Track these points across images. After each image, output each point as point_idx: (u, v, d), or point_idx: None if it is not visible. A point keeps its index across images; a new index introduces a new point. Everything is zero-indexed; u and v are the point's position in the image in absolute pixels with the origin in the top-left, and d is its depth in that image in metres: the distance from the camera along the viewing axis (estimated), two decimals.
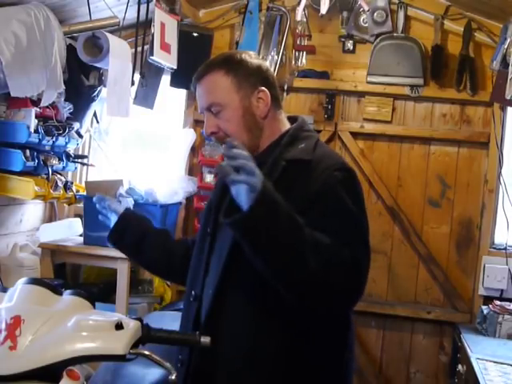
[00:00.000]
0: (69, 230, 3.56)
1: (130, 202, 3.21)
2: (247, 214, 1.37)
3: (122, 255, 3.22)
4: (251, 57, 1.70)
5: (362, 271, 1.50)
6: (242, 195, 1.38)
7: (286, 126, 1.71)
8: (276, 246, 1.41)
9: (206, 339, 1.40)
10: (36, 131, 3.04)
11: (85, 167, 3.95)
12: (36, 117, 3.05)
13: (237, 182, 1.36)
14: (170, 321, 1.98)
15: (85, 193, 3.44)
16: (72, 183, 3.41)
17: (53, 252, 3.34)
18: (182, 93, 3.88)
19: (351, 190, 1.57)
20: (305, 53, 3.76)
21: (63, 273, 3.55)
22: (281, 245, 1.40)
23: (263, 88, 1.66)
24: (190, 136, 3.75)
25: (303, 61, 3.75)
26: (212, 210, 1.74)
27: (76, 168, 3.68)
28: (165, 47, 3.24)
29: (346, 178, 1.57)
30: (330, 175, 1.55)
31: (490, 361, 2.76)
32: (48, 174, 3.16)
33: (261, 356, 1.56)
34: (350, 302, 1.55)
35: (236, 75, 1.64)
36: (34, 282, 1.43)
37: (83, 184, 3.63)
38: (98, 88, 3.38)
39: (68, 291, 1.44)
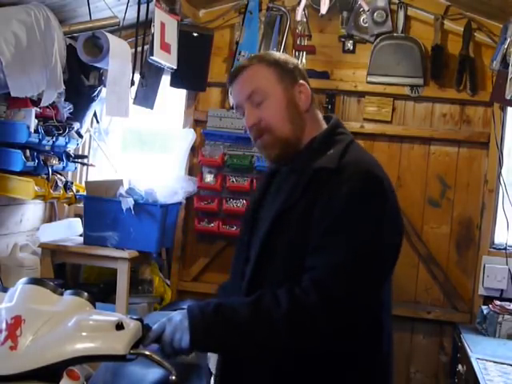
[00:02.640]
0: (69, 230, 3.56)
1: (130, 202, 3.21)
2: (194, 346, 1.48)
3: (122, 255, 3.26)
4: (287, 56, 1.73)
5: (335, 301, 1.43)
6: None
7: (322, 127, 1.68)
8: (234, 348, 1.50)
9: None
10: (36, 131, 3.04)
11: (85, 167, 3.95)
12: (36, 117, 3.05)
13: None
14: None
15: (85, 193, 3.44)
16: (72, 183, 3.41)
17: (53, 252, 3.34)
18: (182, 93, 3.88)
19: (369, 199, 1.49)
20: (305, 53, 3.76)
21: (63, 273, 3.56)
22: (237, 344, 1.48)
23: (303, 82, 1.66)
24: (189, 136, 3.75)
25: (303, 61, 3.75)
26: (250, 218, 1.72)
27: (76, 168, 3.68)
28: (165, 47, 3.24)
29: (365, 186, 1.50)
30: (349, 184, 1.48)
31: (490, 361, 2.76)
32: (48, 174, 3.16)
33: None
34: (334, 333, 1.46)
35: (276, 67, 1.64)
36: (35, 282, 1.42)
37: (83, 184, 3.63)
38: (98, 88, 3.38)
39: (68, 291, 1.43)
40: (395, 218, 1.55)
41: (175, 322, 1.49)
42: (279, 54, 1.72)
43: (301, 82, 1.66)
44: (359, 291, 1.45)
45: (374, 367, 1.58)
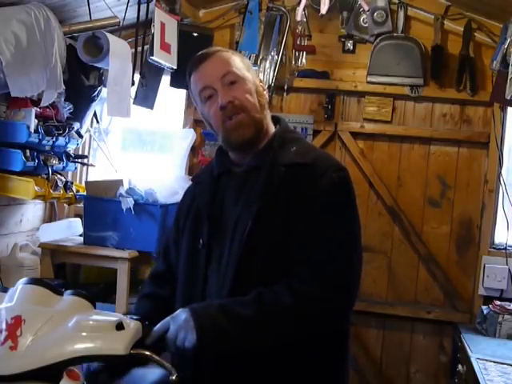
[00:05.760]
0: (69, 230, 3.56)
1: (130, 202, 3.21)
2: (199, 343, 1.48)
3: (122, 255, 3.26)
4: None
5: (335, 288, 1.55)
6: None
7: (273, 127, 1.75)
8: (241, 342, 1.51)
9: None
10: (36, 131, 3.04)
11: (85, 167, 3.95)
12: (36, 117, 3.05)
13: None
14: None
15: (85, 193, 3.44)
16: (72, 183, 3.41)
17: (53, 252, 3.34)
18: (182, 93, 3.87)
19: (347, 191, 1.65)
20: (305, 53, 3.76)
21: (63, 273, 3.55)
22: (246, 339, 1.51)
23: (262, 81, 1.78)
24: (189, 136, 3.75)
25: (303, 61, 3.75)
26: (202, 219, 1.71)
27: (76, 168, 3.68)
28: (165, 47, 3.24)
29: (341, 179, 1.64)
30: (327, 178, 1.61)
31: (490, 361, 2.76)
32: (48, 174, 3.16)
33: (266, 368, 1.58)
34: (337, 316, 1.60)
35: (242, 60, 1.73)
36: (35, 282, 1.42)
37: (83, 184, 3.63)
38: (98, 88, 3.38)
39: (69, 291, 1.43)
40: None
41: (179, 321, 1.49)
42: None
43: (260, 80, 1.76)
44: (354, 276, 1.60)
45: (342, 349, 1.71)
